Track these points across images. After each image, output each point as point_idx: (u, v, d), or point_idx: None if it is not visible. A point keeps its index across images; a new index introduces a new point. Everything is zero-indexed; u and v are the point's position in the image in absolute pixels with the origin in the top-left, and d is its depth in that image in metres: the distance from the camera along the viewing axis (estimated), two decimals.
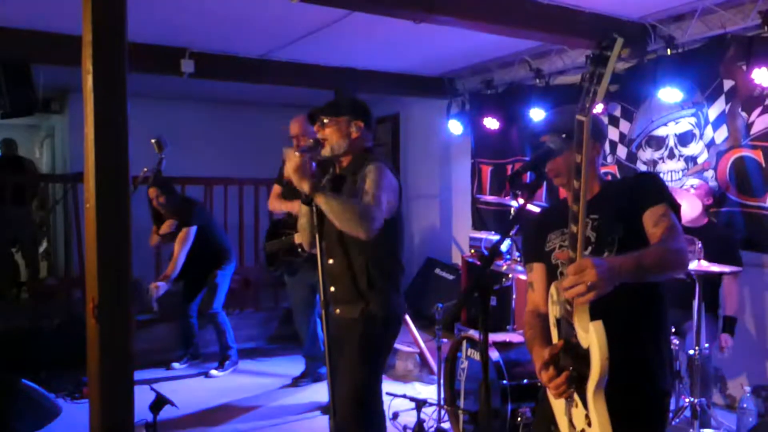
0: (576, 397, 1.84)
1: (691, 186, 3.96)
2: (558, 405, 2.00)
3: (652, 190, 1.99)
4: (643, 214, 1.94)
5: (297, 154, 2.58)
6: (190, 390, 5.04)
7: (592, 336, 1.70)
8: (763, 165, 4.16)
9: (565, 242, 2.07)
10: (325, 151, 2.71)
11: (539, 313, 2.19)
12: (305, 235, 2.85)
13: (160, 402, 3.29)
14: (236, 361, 5.54)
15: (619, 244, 1.92)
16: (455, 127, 6.45)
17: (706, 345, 3.68)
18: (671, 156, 4.80)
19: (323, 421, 4.31)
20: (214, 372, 5.39)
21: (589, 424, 1.77)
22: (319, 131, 2.74)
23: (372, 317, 2.68)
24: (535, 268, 2.23)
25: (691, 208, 3.98)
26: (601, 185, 2.13)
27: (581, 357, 1.76)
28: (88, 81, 2.43)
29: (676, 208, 1.97)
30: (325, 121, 2.72)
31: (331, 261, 2.74)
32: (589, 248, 1.97)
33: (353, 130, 2.73)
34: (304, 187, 2.54)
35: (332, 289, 2.75)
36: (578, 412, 1.84)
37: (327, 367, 2.58)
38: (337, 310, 2.77)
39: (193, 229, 5.34)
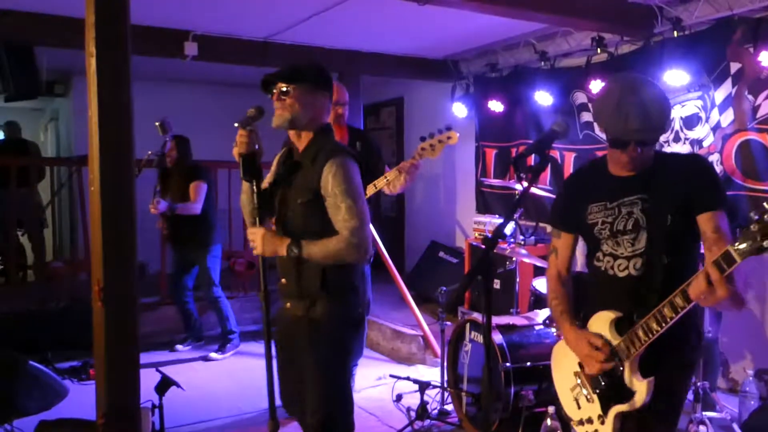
0: (594, 395, 2.02)
1: None
2: (563, 380, 2.08)
3: (712, 188, 1.99)
4: (702, 213, 1.95)
5: (240, 129, 2.36)
6: (195, 372, 5.09)
7: (641, 389, 1.94)
8: None
9: (609, 218, 2.06)
10: (279, 122, 2.38)
11: (563, 280, 2.24)
12: (246, 214, 2.56)
13: (165, 383, 3.33)
14: (237, 345, 5.56)
15: (669, 230, 1.96)
16: (459, 110, 6.42)
17: (710, 329, 3.69)
18: (677, 139, 4.77)
19: None
20: (213, 355, 5.42)
21: (603, 423, 2.00)
22: (277, 101, 2.39)
23: (329, 320, 2.38)
24: (564, 236, 2.23)
25: None
26: (655, 158, 2.08)
27: (619, 384, 1.98)
28: (92, 64, 2.43)
29: (728, 207, 2.00)
30: (284, 89, 2.37)
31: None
32: (641, 231, 2.00)
33: (316, 102, 2.42)
34: (280, 252, 2.34)
35: (283, 280, 2.46)
36: (593, 407, 2.03)
37: (266, 358, 2.40)
38: (288, 304, 2.48)
39: (205, 186, 5.29)
